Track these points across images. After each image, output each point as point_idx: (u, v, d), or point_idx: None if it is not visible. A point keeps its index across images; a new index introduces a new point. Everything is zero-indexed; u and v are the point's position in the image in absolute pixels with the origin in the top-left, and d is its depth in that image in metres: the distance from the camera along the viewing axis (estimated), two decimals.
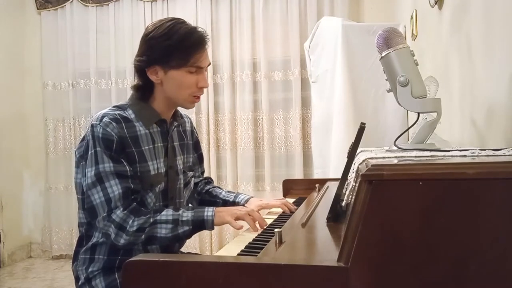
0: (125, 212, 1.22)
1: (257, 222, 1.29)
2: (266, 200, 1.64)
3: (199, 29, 1.32)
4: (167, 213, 1.24)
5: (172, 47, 1.27)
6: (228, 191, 1.67)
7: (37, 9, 3.96)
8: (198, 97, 1.36)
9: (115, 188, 1.23)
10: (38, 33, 3.96)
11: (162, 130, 1.38)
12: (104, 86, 3.87)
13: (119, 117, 1.28)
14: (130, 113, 1.32)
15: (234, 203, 1.59)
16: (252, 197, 1.63)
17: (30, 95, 4.00)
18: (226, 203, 1.60)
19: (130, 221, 1.22)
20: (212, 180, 1.74)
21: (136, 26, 3.75)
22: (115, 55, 3.81)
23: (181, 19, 1.34)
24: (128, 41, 3.76)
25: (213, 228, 1.27)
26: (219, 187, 1.69)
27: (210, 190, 1.65)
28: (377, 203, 0.69)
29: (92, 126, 1.26)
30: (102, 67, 3.87)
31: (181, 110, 1.51)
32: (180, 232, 1.23)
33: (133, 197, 1.26)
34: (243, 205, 1.58)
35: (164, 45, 1.28)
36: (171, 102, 1.37)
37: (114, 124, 1.26)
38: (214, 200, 1.62)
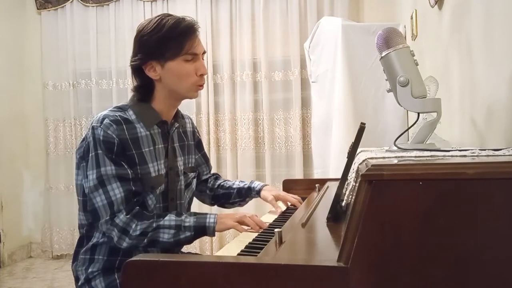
0: (128, 216, 1.22)
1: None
2: (283, 193, 1.66)
3: (187, 18, 1.33)
4: (170, 218, 1.25)
5: (164, 39, 1.28)
6: (241, 181, 1.68)
7: (37, 9, 3.96)
8: (201, 85, 1.36)
9: (117, 191, 1.23)
10: (38, 33, 3.96)
11: (163, 131, 1.38)
12: (105, 86, 3.87)
13: (119, 119, 1.28)
14: (131, 114, 1.32)
15: (249, 189, 1.61)
16: (267, 184, 1.65)
17: (30, 95, 4.00)
18: (240, 191, 1.61)
19: (133, 225, 1.22)
20: (220, 176, 1.74)
21: (136, 26, 3.74)
22: (116, 55, 3.81)
23: (168, 13, 1.35)
24: (128, 41, 3.76)
25: (214, 235, 1.28)
26: (229, 180, 1.70)
27: (222, 183, 1.66)
28: (377, 203, 0.69)
29: (93, 128, 1.26)
30: (102, 67, 3.87)
31: (182, 110, 1.51)
32: (182, 237, 1.24)
33: (135, 199, 1.26)
34: (259, 190, 1.60)
35: (155, 39, 1.28)
36: (174, 98, 1.36)
37: (114, 126, 1.26)
38: (228, 192, 1.63)
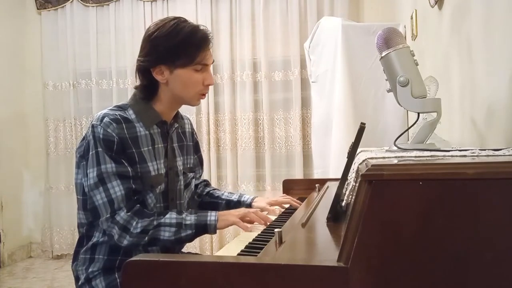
0: (129, 213, 1.22)
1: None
2: (272, 198, 1.66)
3: (202, 27, 1.32)
4: (171, 216, 1.25)
5: (178, 47, 1.27)
6: (230, 192, 1.67)
7: (37, 9, 3.97)
8: (204, 94, 1.37)
9: (117, 189, 1.23)
10: (38, 33, 3.96)
11: (163, 131, 1.38)
12: (105, 86, 3.87)
13: (119, 118, 1.28)
14: (130, 113, 1.32)
15: (238, 203, 1.60)
16: (257, 196, 1.64)
17: (31, 95, 4.00)
18: (229, 203, 1.60)
19: (134, 223, 1.22)
20: (209, 183, 1.74)
21: (136, 26, 3.75)
22: (116, 55, 3.82)
23: (182, 18, 1.33)
24: (128, 41, 3.77)
25: (215, 232, 1.28)
26: (218, 189, 1.69)
27: (211, 192, 1.65)
28: (377, 203, 0.69)
29: (93, 126, 1.26)
30: (102, 67, 3.87)
31: (182, 111, 1.51)
32: (183, 235, 1.23)
33: (135, 197, 1.27)
34: (250, 203, 1.59)
35: (169, 45, 1.27)
36: (176, 102, 1.36)
37: (114, 125, 1.26)
38: (216, 202, 1.61)
